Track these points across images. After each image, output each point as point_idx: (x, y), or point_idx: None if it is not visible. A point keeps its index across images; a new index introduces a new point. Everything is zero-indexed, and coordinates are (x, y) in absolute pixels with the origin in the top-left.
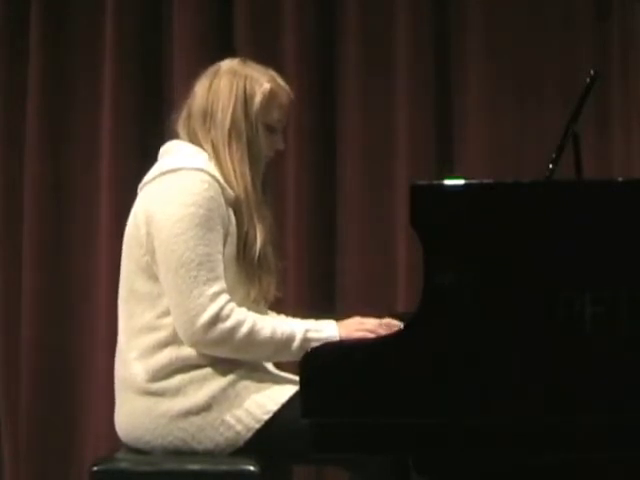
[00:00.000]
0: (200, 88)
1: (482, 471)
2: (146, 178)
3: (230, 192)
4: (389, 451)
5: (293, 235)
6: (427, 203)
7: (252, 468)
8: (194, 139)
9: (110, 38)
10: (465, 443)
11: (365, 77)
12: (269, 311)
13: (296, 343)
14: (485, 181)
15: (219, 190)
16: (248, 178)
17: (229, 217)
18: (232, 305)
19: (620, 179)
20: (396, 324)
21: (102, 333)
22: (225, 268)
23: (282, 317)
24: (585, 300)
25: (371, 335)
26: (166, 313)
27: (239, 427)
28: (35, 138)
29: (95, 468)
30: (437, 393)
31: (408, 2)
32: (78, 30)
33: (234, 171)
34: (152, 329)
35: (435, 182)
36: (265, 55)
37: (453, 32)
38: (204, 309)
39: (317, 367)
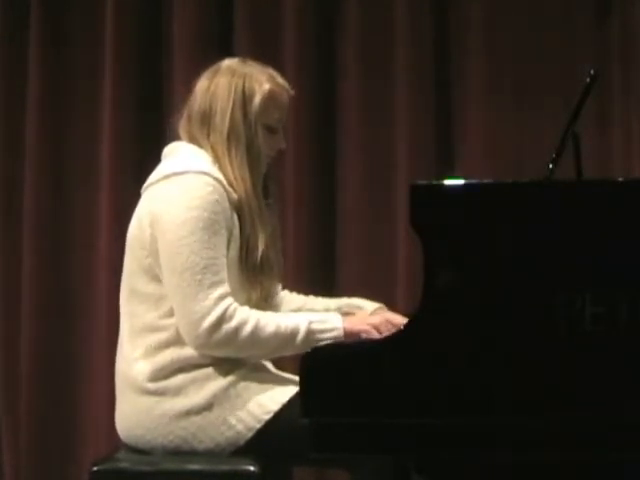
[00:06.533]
0: (199, 89)
1: (482, 471)
2: (150, 180)
3: (234, 195)
4: (389, 451)
5: (293, 235)
6: (427, 203)
7: (252, 468)
8: (194, 142)
9: (110, 38)
10: (465, 443)
11: (365, 77)
12: (286, 290)
13: (301, 336)
14: (485, 181)
15: (224, 193)
16: (248, 183)
17: (233, 220)
18: (235, 305)
19: (620, 179)
20: (401, 319)
21: (102, 333)
22: (228, 271)
23: (293, 299)
24: (585, 300)
25: (374, 332)
26: (169, 314)
27: (240, 427)
28: (35, 138)
29: (95, 468)
30: (437, 393)
31: (408, 2)
32: (78, 30)
33: (234, 176)
34: (155, 329)
35: (435, 182)
36: (265, 55)
37: (453, 32)
38: (209, 312)
39: (317, 367)
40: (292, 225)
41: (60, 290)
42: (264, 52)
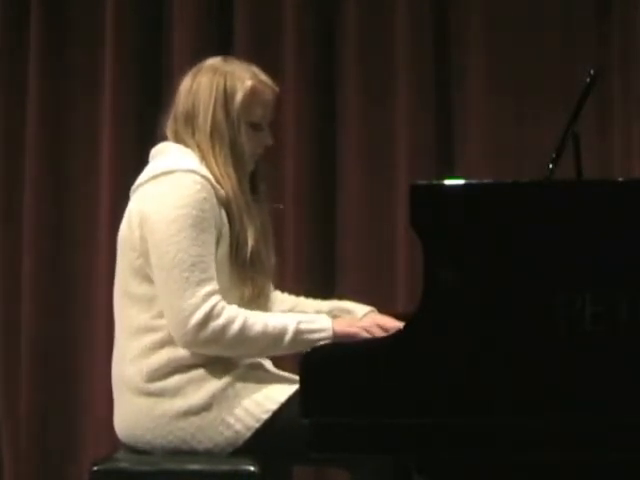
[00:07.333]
0: (183, 88)
1: (483, 471)
2: (139, 180)
3: (221, 192)
4: (389, 451)
5: (293, 235)
6: (427, 203)
7: (252, 468)
8: (181, 142)
9: (110, 38)
10: (465, 443)
11: (365, 77)
12: (277, 290)
13: (289, 336)
14: (485, 181)
15: (212, 191)
16: (234, 180)
17: (222, 218)
18: (223, 304)
19: (620, 179)
20: (392, 323)
21: (102, 333)
22: (218, 269)
23: (285, 299)
24: (585, 300)
25: (364, 333)
26: (162, 314)
27: (238, 426)
28: (35, 138)
29: (95, 468)
30: (437, 393)
31: (408, 2)
32: (78, 30)
33: (220, 173)
34: (149, 330)
35: (435, 182)
36: (265, 55)
37: (453, 32)
38: (196, 309)
39: (317, 367)
40: (292, 225)
41: (60, 290)
42: (264, 52)
